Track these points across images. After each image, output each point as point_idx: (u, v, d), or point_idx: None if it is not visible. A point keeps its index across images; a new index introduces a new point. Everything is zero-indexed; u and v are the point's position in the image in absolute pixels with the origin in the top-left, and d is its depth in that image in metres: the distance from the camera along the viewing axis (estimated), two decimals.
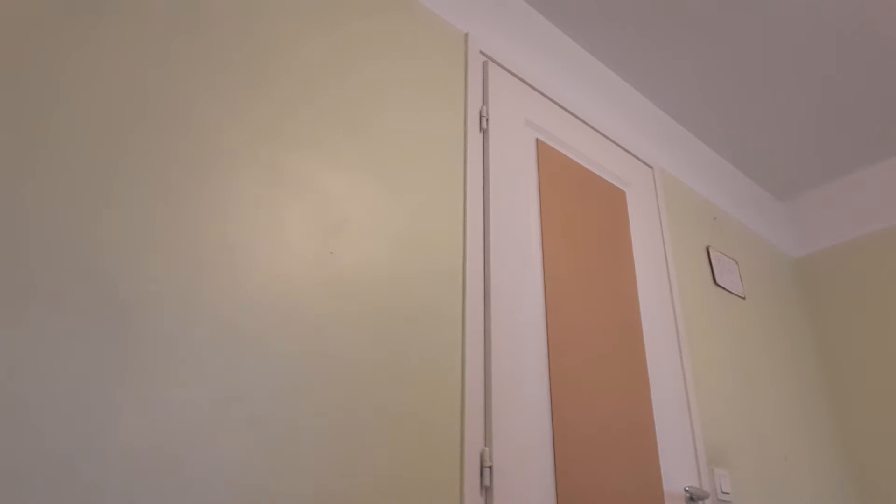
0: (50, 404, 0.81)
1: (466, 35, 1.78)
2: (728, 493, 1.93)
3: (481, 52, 1.80)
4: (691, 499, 1.75)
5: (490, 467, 1.28)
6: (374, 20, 1.54)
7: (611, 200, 2.05)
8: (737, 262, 2.67)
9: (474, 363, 1.37)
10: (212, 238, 1.05)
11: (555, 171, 1.86)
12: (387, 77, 1.50)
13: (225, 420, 0.96)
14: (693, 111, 2.61)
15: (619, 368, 1.74)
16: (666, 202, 2.39)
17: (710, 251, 2.57)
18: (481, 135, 1.68)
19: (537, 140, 1.86)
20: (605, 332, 1.75)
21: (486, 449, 1.30)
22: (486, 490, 1.26)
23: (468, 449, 1.27)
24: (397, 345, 1.25)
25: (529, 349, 1.51)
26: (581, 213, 1.88)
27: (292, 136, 1.25)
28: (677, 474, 1.78)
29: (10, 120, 0.90)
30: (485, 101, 1.73)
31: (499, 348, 1.43)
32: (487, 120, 1.70)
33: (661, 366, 1.93)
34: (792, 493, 2.21)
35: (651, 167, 2.36)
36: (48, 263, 0.87)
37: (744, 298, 2.59)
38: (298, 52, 1.33)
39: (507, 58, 1.88)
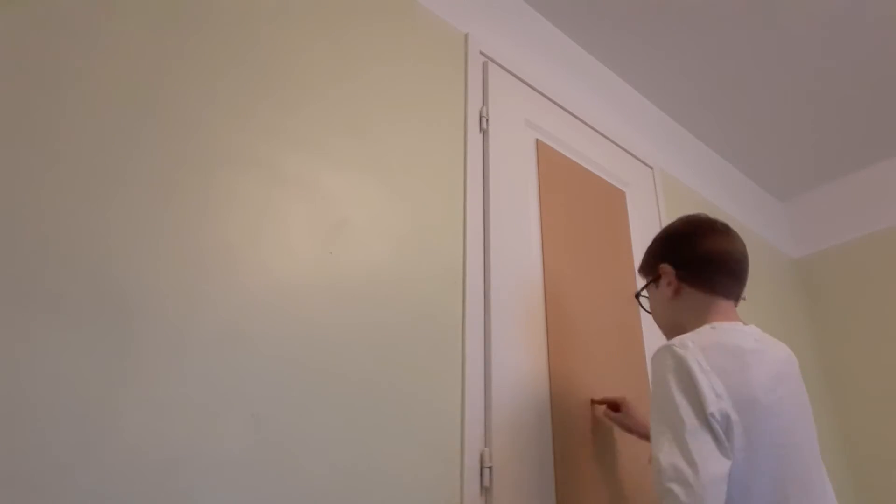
0: (50, 405, 0.81)
1: (466, 36, 1.78)
2: None
3: (481, 53, 1.80)
4: None
5: (490, 468, 1.28)
6: (375, 21, 1.54)
7: (611, 200, 2.05)
8: None
9: (474, 363, 1.37)
10: (214, 238, 1.05)
11: (555, 171, 1.86)
12: (387, 78, 1.50)
13: (226, 421, 0.96)
14: (693, 111, 2.61)
15: (618, 368, 1.74)
16: (666, 202, 2.39)
17: None
18: (481, 135, 1.68)
19: (537, 140, 1.86)
20: (605, 332, 1.75)
21: (486, 449, 1.30)
22: (486, 490, 1.26)
23: (468, 449, 1.27)
24: (397, 345, 1.25)
25: (529, 349, 1.51)
26: (581, 214, 1.88)
27: (294, 137, 1.25)
28: None
29: (14, 120, 0.90)
30: (485, 101, 1.73)
31: (499, 348, 1.43)
32: (487, 120, 1.70)
33: None
34: None
35: (651, 167, 2.37)
36: (50, 263, 0.87)
37: (743, 299, 2.59)
38: (300, 53, 1.34)
39: (507, 58, 1.88)
